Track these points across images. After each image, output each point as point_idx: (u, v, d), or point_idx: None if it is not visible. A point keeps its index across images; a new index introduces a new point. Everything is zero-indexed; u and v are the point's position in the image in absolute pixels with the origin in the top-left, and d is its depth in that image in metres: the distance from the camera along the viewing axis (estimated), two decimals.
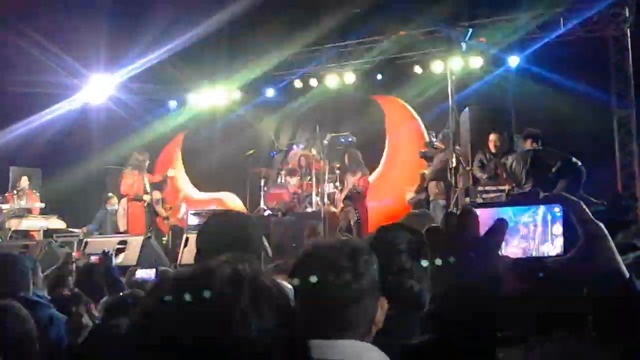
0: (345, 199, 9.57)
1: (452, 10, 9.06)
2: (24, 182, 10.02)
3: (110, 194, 10.46)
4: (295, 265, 1.52)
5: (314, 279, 1.37)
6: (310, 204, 10.29)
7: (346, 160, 9.75)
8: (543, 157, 7.24)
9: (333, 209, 9.74)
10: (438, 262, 0.92)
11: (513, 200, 1.01)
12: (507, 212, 0.95)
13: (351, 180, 9.53)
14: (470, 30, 9.49)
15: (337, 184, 10.11)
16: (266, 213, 10.34)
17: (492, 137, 8.04)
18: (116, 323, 2.32)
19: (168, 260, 8.26)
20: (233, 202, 11.31)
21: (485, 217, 0.93)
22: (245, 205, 10.96)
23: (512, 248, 0.94)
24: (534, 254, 0.94)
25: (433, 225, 0.95)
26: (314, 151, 10.70)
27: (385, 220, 9.78)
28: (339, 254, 1.44)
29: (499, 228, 0.91)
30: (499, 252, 0.91)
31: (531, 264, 0.93)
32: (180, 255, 7.96)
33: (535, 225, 0.94)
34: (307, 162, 10.90)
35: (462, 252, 0.90)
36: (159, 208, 10.39)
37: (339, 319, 1.41)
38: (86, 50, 10.24)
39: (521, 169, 7.25)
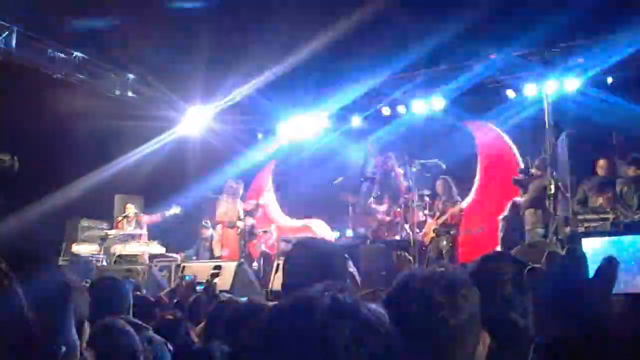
0: (437, 227, 9.38)
1: (547, 32, 8.74)
2: (129, 209, 10.52)
3: (205, 221, 10.86)
4: (389, 298, 1.48)
5: (408, 314, 1.34)
6: (399, 231, 10.18)
7: (439, 188, 9.57)
8: None
9: (422, 236, 9.58)
10: (541, 304, 0.88)
11: (627, 229, 0.95)
12: (621, 243, 0.90)
13: (448, 209, 9.33)
14: (567, 51, 9.13)
15: (426, 211, 9.94)
16: (354, 240, 10.33)
17: (601, 162, 7.75)
18: (217, 348, 2.39)
19: (259, 285, 8.43)
20: (322, 229, 11.39)
21: (595, 246, 0.88)
22: (333, 232, 11.01)
23: (629, 282, 0.89)
24: None
25: (533, 266, 0.92)
26: (402, 179, 10.61)
27: (477, 250, 9.50)
28: (435, 287, 1.39)
29: (609, 269, 0.85)
30: (610, 294, 0.86)
31: None
32: (271, 281, 8.09)
33: None
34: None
35: (567, 296, 0.86)
36: (255, 231, 10.68)
37: (436, 356, 1.36)
38: (184, 83, 10.77)
39: (632, 194, 6.86)
